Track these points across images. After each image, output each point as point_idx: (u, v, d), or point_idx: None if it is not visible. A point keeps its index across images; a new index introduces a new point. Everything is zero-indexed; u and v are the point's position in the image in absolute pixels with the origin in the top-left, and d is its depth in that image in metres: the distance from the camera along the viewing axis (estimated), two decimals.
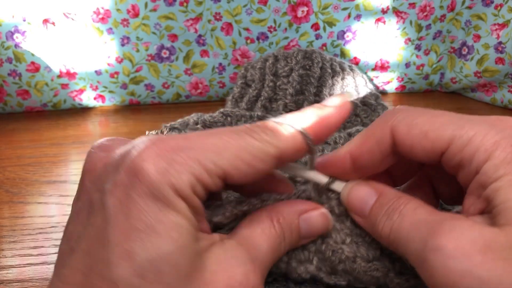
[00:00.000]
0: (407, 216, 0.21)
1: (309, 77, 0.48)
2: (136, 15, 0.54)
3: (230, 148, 0.19)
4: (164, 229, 0.17)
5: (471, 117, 0.21)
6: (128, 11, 0.54)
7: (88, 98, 0.60)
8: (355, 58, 0.61)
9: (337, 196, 0.25)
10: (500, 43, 0.56)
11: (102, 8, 0.53)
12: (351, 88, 0.49)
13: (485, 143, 0.20)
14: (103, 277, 0.17)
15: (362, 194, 0.24)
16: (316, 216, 0.24)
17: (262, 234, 0.22)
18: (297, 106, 0.48)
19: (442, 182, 0.26)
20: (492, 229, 0.18)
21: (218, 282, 0.19)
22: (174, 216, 0.18)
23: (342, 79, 0.49)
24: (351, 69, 0.51)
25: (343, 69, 0.50)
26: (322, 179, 0.25)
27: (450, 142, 0.21)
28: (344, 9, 0.56)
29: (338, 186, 0.25)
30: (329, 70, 0.49)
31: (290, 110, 0.48)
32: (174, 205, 0.18)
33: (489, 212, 0.19)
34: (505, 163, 0.19)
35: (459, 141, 0.20)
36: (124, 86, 0.59)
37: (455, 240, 0.18)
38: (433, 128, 0.21)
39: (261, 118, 0.43)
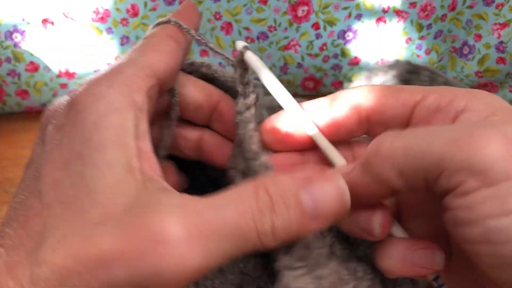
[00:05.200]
0: (409, 135, 0.18)
1: None
2: (135, 14, 0.54)
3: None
4: (86, 152, 0.18)
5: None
6: (128, 11, 0.53)
7: None
8: (355, 57, 0.60)
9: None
10: (501, 42, 0.56)
11: (102, 7, 0.53)
12: None
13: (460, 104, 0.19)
14: (35, 205, 0.18)
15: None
16: (325, 187, 0.18)
17: (234, 197, 0.17)
18: None
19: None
20: None
21: (131, 225, 0.16)
22: (100, 138, 0.18)
23: None
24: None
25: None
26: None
27: (416, 104, 0.20)
28: (345, 8, 0.56)
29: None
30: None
31: None
32: (103, 126, 0.18)
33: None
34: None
35: (431, 98, 0.20)
36: None
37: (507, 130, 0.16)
38: (400, 93, 0.21)
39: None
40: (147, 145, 0.20)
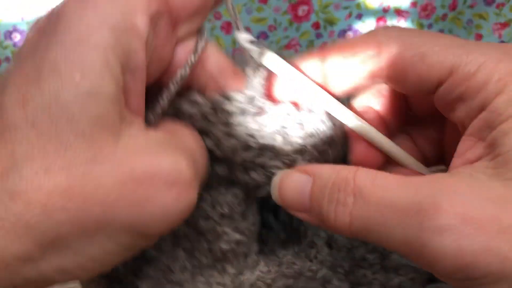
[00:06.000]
0: (369, 196, 0.16)
1: None
2: None
3: None
4: (66, 68, 0.14)
5: (479, 43, 0.17)
6: None
7: None
8: None
9: None
10: (502, 42, 0.56)
11: None
12: None
13: (499, 72, 0.16)
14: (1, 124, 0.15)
15: (294, 183, 0.18)
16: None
17: (191, 132, 0.17)
18: None
19: (423, 138, 0.21)
20: (499, 186, 0.15)
21: (133, 165, 0.15)
22: (85, 54, 0.15)
23: None
24: None
25: None
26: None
27: (453, 69, 0.16)
28: (345, 8, 0.56)
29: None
30: None
31: None
32: (90, 42, 0.15)
33: (490, 160, 0.16)
34: None
35: (465, 68, 0.16)
36: None
37: (461, 213, 0.14)
38: (432, 51, 0.17)
39: None
40: (137, 84, 0.17)
